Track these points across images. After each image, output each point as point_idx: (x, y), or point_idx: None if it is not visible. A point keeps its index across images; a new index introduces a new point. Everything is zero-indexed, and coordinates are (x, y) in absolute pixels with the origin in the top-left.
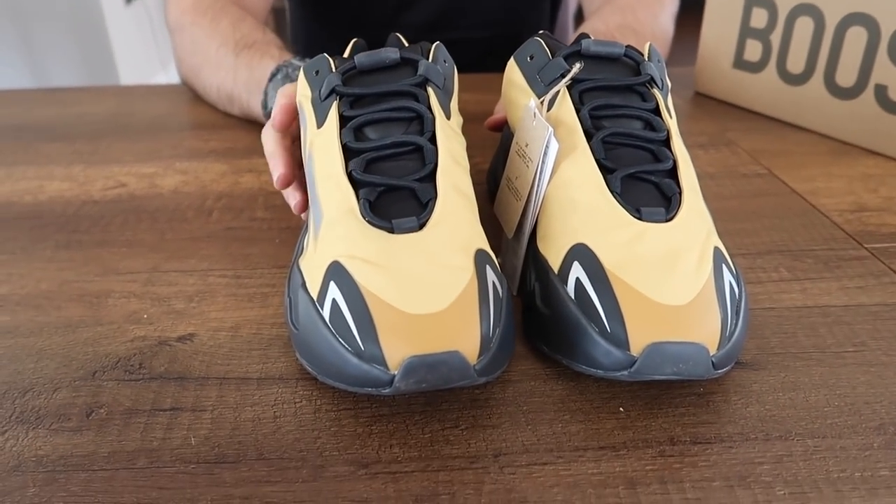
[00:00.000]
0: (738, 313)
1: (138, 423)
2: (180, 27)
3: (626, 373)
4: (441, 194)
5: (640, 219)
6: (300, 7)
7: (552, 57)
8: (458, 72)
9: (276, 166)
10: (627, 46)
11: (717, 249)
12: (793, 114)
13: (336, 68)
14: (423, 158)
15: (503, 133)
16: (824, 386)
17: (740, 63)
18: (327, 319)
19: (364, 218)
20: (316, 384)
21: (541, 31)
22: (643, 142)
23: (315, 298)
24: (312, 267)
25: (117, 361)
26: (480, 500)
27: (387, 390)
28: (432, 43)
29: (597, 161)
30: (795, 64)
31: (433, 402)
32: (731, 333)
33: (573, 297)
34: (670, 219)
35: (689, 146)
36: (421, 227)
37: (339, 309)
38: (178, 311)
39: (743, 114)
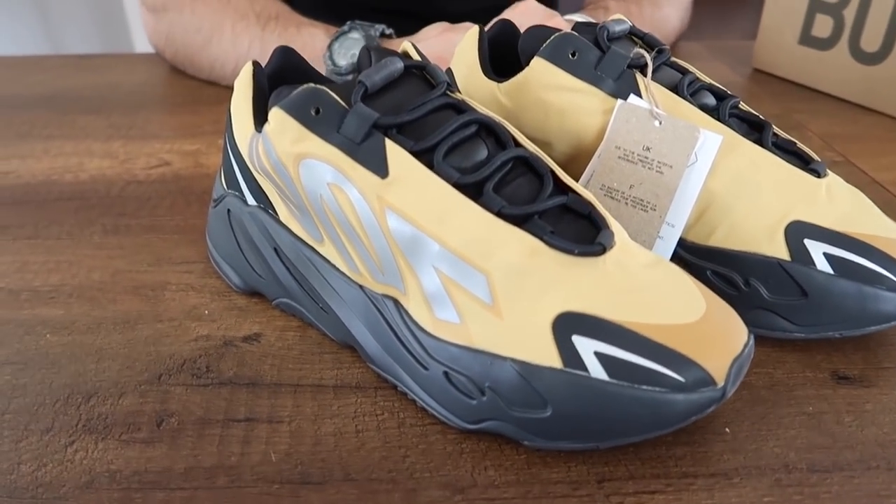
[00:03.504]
0: None
1: (213, 435)
2: (177, 4)
3: None
4: (591, 200)
5: (819, 176)
6: None
7: (603, 48)
8: None
9: None
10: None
11: None
12: (865, 95)
13: (342, 97)
14: (535, 169)
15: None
16: None
17: (807, 39)
18: (607, 378)
19: (573, 252)
20: (395, 394)
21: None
22: (739, 109)
23: (563, 366)
24: (517, 335)
25: (182, 363)
26: None
27: (716, 405)
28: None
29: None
30: (871, 42)
31: None
32: None
33: (833, 272)
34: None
35: None
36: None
37: (614, 358)
38: (239, 307)
39: (808, 94)
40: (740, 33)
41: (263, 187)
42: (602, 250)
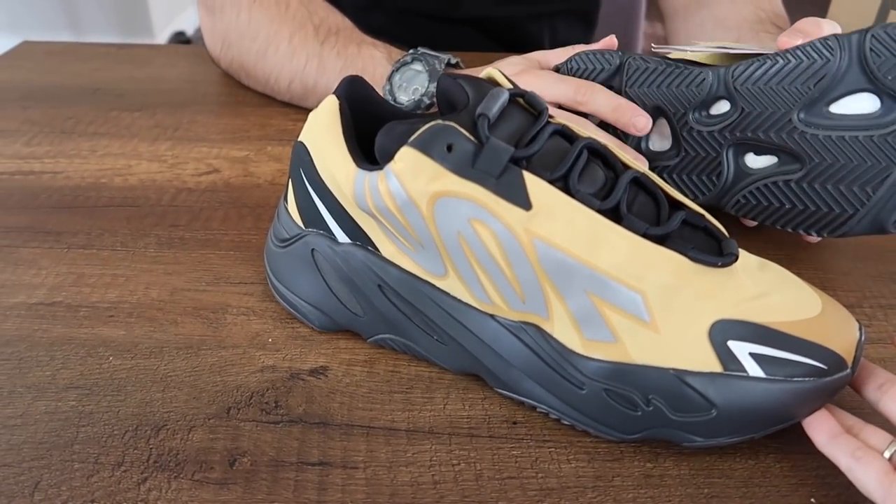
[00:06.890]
0: None
1: (287, 480)
2: (234, 5)
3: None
4: (702, 212)
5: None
6: None
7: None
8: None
9: (637, 111)
10: None
11: None
12: None
13: (469, 132)
14: (646, 188)
15: None
16: None
17: None
18: (763, 375)
19: (716, 264)
20: (469, 441)
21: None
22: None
23: (723, 370)
24: (676, 347)
25: (250, 397)
26: None
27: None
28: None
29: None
30: None
31: (604, 476)
32: None
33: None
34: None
35: None
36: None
37: (767, 356)
38: (303, 336)
39: None
40: None
41: (361, 224)
42: (734, 259)
